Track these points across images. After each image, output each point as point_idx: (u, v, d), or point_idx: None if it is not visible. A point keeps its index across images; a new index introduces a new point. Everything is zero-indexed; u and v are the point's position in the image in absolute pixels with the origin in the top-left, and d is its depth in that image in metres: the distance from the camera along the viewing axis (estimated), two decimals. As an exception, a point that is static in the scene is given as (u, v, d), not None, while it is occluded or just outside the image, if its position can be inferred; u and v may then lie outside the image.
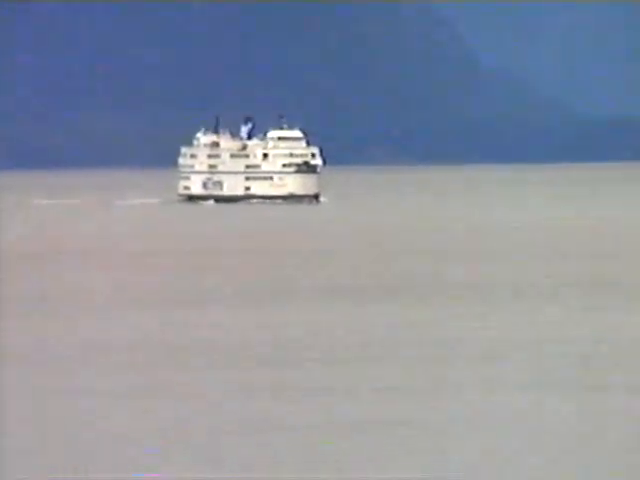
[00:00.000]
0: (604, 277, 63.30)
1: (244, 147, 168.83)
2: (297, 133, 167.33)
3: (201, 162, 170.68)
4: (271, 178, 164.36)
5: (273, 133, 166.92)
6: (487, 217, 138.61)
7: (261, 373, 28.85)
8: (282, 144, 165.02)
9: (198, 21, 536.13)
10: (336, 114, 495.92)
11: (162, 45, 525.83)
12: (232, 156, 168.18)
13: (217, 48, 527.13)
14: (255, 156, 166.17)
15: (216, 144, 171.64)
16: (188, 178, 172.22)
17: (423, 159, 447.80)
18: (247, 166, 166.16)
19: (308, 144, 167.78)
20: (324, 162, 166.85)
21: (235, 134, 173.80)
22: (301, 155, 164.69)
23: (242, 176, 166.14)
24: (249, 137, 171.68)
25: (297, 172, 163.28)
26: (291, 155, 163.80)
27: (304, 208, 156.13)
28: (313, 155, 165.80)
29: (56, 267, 76.83)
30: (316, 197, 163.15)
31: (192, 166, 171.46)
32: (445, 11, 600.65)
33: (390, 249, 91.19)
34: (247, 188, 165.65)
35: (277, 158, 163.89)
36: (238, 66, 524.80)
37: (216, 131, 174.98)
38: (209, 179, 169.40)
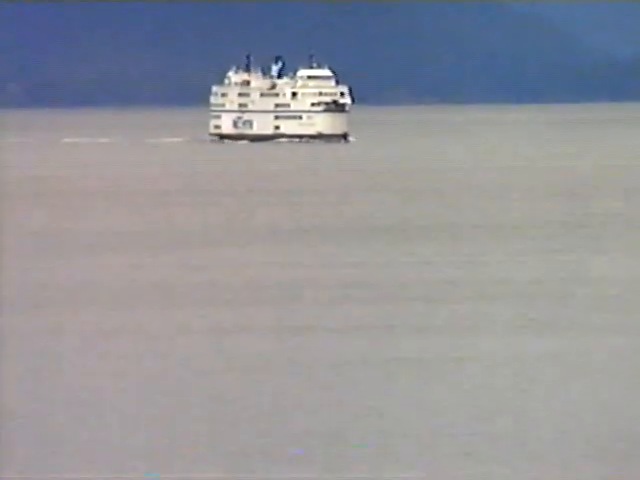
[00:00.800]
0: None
1: (273, 86, 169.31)
2: (326, 72, 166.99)
3: (232, 101, 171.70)
4: (300, 117, 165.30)
5: (302, 72, 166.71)
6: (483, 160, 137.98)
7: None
8: (311, 83, 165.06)
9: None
10: (360, 55, 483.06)
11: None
12: (262, 95, 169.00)
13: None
14: (284, 95, 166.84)
15: (247, 83, 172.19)
16: (219, 117, 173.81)
17: (446, 99, 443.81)
18: (276, 105, 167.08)
19: (337, 83, 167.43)
20: (353, 101, 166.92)
21: (266, 72, 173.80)
22: (330, 94, 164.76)
23: (271, 115, 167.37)
24: (279, 76, 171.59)
25: (326, 111, 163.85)
26: (320, 94, 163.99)
27: (333, 147, 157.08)
28: (342, 94, 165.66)
29: (87, 206, 79.38)
30: (345, 136, 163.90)
31: (223, 105, 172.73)
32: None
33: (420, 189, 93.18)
34: (276, 127, 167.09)
35: (306, 97, 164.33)
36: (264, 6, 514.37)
37: (247, 69, 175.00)
38: (239, 118, 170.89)
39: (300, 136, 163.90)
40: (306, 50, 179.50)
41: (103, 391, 18.35)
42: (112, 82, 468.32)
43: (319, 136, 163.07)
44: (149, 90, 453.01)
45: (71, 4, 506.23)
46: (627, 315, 30.45)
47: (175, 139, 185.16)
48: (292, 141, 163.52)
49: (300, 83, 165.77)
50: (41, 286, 37.76)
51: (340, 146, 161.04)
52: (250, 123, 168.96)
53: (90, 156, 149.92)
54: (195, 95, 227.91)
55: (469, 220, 66.87)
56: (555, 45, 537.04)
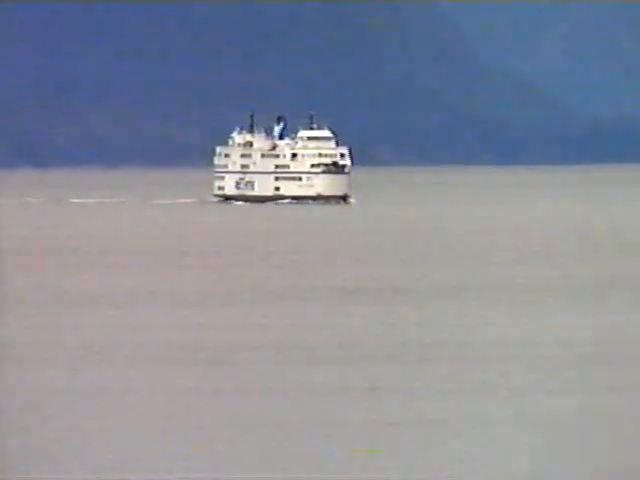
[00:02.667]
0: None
1: (274, 147, 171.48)
2: (326, 133, 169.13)
3: (234, 162, 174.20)
4: (299, 179, 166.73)
5: (303, 133, 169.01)
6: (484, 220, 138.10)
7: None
8: (311, 144, 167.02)
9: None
10: (340, 114, 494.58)
11: (198, 43, 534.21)
12: (263, 156, 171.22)
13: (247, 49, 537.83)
14: (284, 156, 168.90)
15: (249, 144, 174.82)
16: (222, 178, 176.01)
17: (427, 159, 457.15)
18: (276, 166, 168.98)
19: (337, 144, 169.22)
20: (352, 162, 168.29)
21: (269, 133, 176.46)
22: (329, 155, 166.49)
23: (272, 176, 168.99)
24: (281, 137, 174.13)
25: (325, 172, 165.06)
26: (319, 155, 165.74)
27: (332, 209, 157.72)
28: (342, 155, 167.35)
29: (102, 266, 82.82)
30: (344, 198, 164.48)
31: (226, 166, 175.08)
32: (448, 11, 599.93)
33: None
34: (277, 188, 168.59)
35: (305, 158, 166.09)
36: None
37: (251, 130, 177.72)
38: (242, 179, 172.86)
39: (300, 197, 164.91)
40: (310, 108, 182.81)
41: None
42: (112, 141, 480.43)
43: (319, 197, 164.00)
44: (157, 149, 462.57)
45: (67, 60, 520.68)
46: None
47: (181, 200, 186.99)
48: (292, 202, 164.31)
49: (300, 144, 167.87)
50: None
51: (338, 208, 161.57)
52: (252, 184, 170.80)
53: (104, 217, 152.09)
54: (199, 155, 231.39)
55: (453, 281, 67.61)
56: (539, 107, 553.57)
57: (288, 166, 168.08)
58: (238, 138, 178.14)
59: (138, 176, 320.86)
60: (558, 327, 45.86)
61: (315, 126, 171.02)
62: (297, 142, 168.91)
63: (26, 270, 77.67)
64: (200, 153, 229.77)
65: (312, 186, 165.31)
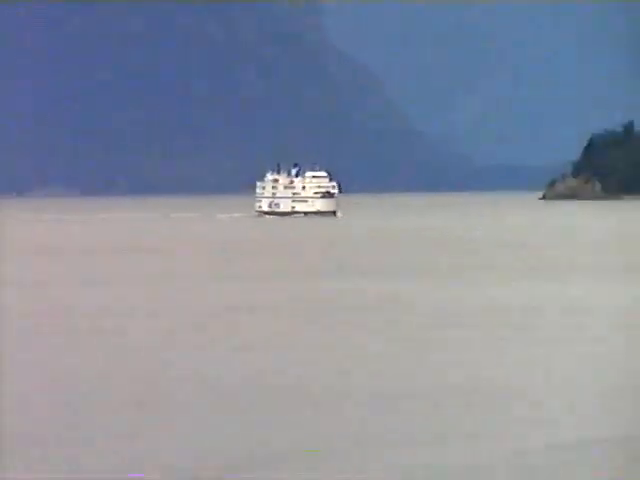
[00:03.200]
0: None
1: (292, 182, 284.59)
2: (323, 173, 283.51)
3: (267, 191, 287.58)
4: (306, 201, 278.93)
5: (309, 173, 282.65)
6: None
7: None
8: (314, 180, 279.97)
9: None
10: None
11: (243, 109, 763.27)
12: (285, 187, 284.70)
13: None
14: (298, 187, 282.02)
15: (276, 180, 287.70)
16: (260, 201, 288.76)
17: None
18: (293, 194, 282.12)
19: (330, 179, 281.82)
20: (340, 190, 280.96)
21: (289, 174, 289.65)
22: (325, 187, 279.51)
23: (290, 199, 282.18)
24: (297, 175, 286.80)
25: (322, 197, 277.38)
26: (319, 187, 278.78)
27: (327, 220, 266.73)
28: (333, 187, 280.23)
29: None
30: (334, 213, 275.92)
31: (262, 194, 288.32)
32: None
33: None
34: (293, 207, 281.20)
35: (311, 189, 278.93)
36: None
37: (278, 172, 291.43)
38: (272, 202, 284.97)
39: (307, 212, 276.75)
40: (314, 160, 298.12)
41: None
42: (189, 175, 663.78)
43: (318, 212, 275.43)
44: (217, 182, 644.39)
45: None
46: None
47: (235, 214, 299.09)
48: (302, 216, 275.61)
49: (307, 180, 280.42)
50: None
51: (331, 219, 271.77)
52: (278, 205, 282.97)
53: (198, 225, 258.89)
54: (244, 186, 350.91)
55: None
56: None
57: (300, 193, 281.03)
58: (269, 177, 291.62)
59: (200, 200, 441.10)
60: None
61: (317, 168, 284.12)
62: (305, 179, 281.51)
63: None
64: (245, 185, 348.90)
65: (314, 205, 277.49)
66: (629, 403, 24.97)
